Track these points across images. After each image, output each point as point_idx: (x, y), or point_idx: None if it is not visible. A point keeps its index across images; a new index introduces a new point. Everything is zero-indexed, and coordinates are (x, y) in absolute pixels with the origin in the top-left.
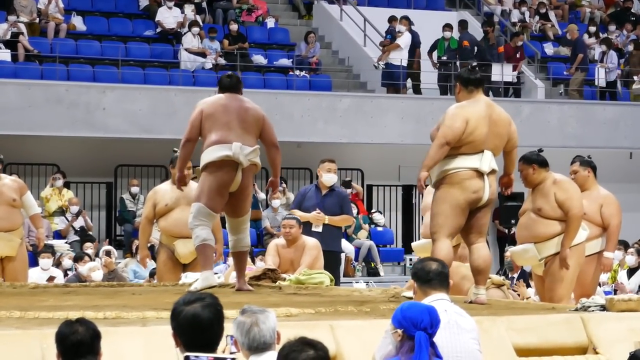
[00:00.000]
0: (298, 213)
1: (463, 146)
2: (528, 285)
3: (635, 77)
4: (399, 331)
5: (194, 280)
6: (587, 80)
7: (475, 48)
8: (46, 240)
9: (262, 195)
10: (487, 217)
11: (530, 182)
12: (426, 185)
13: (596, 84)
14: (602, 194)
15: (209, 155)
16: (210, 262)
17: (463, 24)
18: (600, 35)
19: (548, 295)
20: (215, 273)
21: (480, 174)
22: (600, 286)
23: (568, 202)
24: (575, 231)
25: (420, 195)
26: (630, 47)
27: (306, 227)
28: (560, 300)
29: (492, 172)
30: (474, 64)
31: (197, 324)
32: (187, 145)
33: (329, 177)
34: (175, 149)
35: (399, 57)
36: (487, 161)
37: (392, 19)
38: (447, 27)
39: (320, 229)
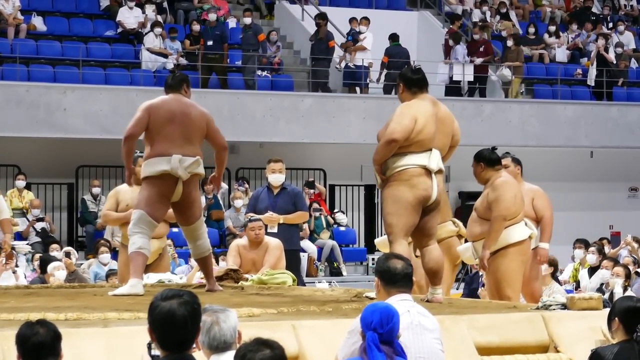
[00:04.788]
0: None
1: (412, 145)
2: None
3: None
4: (360, 332)
5: (156, 280)
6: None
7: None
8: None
9: (224, 186)
10: (435, 219)
11: (480, 180)
12: (384, 175)
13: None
14: (532, 188)
15: (148, 168)
16: (140, 271)
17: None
18: (560, 34)
19: (497, 294)
20: (178, 275)
21: (428, 172)
22: (561, 285)
23: (494, 203)
24: (496, 232)
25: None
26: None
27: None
28: (505, 298)
29: (440, 171)
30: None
31: (170, 321)
32: (128, 141)
33: (274, 178)
34: (137, 151)
35: (363, 58)
36: (435, 160)
37: (352, 20)
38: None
39: (275, 229)
